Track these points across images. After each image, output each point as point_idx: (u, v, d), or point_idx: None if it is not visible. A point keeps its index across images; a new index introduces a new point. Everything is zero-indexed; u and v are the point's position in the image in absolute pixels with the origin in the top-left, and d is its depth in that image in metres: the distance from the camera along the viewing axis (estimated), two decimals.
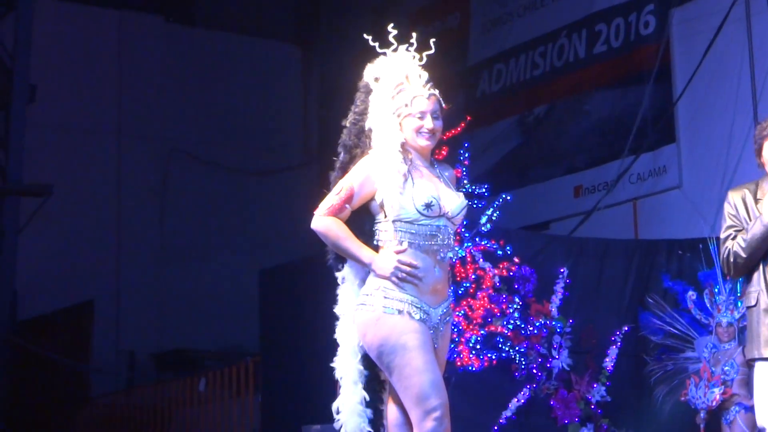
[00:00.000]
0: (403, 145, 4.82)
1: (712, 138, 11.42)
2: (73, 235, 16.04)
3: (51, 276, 15.70)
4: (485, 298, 8.60)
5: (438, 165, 4.98)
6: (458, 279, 8.54)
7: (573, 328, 8.96)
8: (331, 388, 4.90)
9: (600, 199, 12.14)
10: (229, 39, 17.51)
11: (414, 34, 4.96)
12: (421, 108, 4.82)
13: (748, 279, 5.49)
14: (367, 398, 4.83)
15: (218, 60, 17.34)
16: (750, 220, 5.45)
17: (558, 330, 8.88)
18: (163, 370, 15.84)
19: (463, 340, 8.45)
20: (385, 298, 4.70)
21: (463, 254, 8.59)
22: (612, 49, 12.68)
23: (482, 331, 8.55)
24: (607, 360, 9.03)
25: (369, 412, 4.84)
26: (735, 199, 5.55)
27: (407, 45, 4.92)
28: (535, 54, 13.58)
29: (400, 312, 4.68)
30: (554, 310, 8.92)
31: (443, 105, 4.89)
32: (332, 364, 4.88)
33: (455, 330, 8.27)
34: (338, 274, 4.94)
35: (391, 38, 4.91)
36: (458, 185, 5.23)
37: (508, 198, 8.91)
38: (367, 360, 4.84)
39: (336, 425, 4.85)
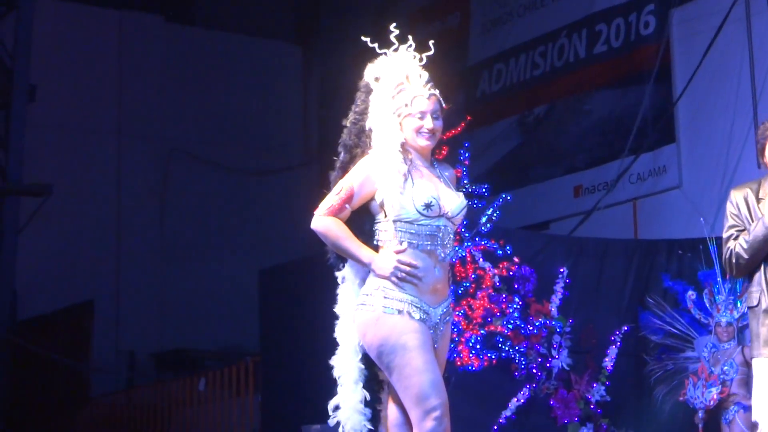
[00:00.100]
0: (403, 145, 4.82)
1: (712, 138, 11.42)
2: (73, 234, 16.05)
3: (51, 276, 15.71)
4: (485, 298, 8.60)
5: (438, 165, 4.98)
6: (458, 279, 8.54)
7: (573, 327, 8.96)
8: (331, 387, 4.90)
9: (600, 199, 12.14)
10: (229, 39, 17.51)
11: (413, 35, 4.96)
12: (421, 108, 4.82)
13: (749, 279, 5.49)
14: (368, 397, 4.83)
15: (218, 60, 17.34)
16: (752, 219, 5.44)
17: (558, 330, 8.89)
18: (163, 370, 15.84)
19: (463, 339, 8.45)
20: (385, 298, 4.70)
21: (463, 254, 8.59)
22: (612, 49, 12.68)
23: (482, 331, 8.55)
24: (607, 360, 9.03)
25: (368, 411, 4.84)
26: (737, 198, 5.54)
27: (407, 45, 4.92)
28: (535, 54, 13.58)
29: (399, 312, 4.68)
30: (554, 310, 8.92)
31: (443, 105, 4.89)
32: (331, 362, 4.88)
33: (455, 330, 8.27)
34: (338, 274, 4.94)
35: (391, 38, 4.91)
36: (458, 185, 5.23)
37: (508, 198, 8.91)
38: (366, 360, 4.84)
39: (331, 421, 4.85)
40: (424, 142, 4.84)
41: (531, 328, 8.76)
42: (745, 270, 5.46)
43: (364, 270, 4.81)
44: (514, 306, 8.71)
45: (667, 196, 11.87)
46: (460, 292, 8.53)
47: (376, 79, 4.90)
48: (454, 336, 8.24)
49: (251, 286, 12.24)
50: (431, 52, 4.93)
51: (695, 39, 11.59)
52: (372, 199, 4.79)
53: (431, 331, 4.74)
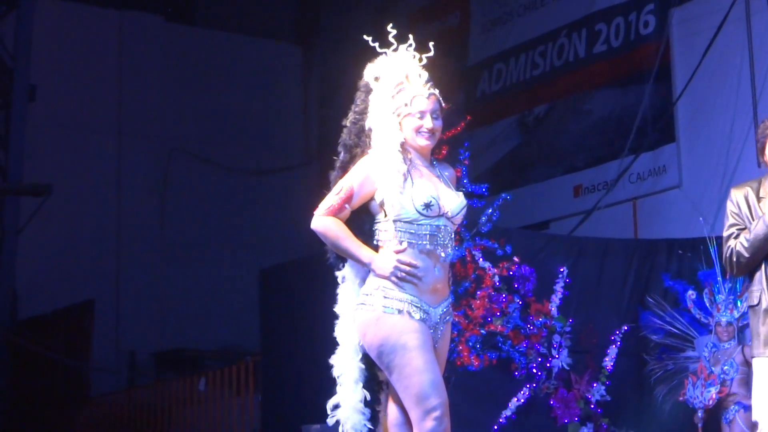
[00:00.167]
0: (402, 144, 4.82)
1: (712, 137, 11.42)
2: (73, 234, 16.05)
3: (51, 275, 15.71)
4: (485, 298, 8.60)
5: (438, 165, 4.98)
6: (458, 278, 8.54)
7: (573, 327, 8.96)
8: (331, 387, 4.90)
9: (600, 199, 12.14)
10: (230, 38, 17.51)
11: (413, 35, 4.96)
12: (421, 107, 4.82)
13: (750, 278, 5.48)
14: (368, 397, 4.84)
15: (218, 59, 17.34)
16: (753, 218, 5.44)
17: (558, 329, 8.89)
18: (163, 370, 15.84)
19: (463, 339, 8.45)
20: (385, 297, 4.70)
21: (463, 254, 8.59)
22: (612, 49, 12.68)
23: (482, 331, 8.55)
24: (607, 359, 9.03)
25: (368, 411, 4.84)
26: (737, 197, 5.53)
27: (407, 45, 4.93)
28: (535, 53, 13.58)
29: (400, 312, 4.68)
30: (554, 310, 8.92)
31: (443, 104, 4.89)
32: (331, 361, 4.88)
33: (455, 329, 8.27)
34: (338, 274, 4.94)
35: (391, 38, 4.91)
36: (458, 185, 5.24)
37: (508, 197, 8.91)
38: (366, 360, 4.84)
39: (330, 420, 4.85)
40: (423, 142, 4.84)
41: (531, 328, 8.76)
42: (746, 269, 5.46)
43: (364, 270, 4.82)
44: (514, 306, 8.71)
45: (667, 195, 11.87)
46: (460, 291, 8.53)
47: (376, 79, 4.90)
48: (455, 336, 8.23)
49: (251, 286, 12.25)
50: (431, 52, 4.93)
51: (695, 38, 11.59)
52: (372, 198, 4.79)
53: (431, 330, 4.74)
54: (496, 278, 8.67)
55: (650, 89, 11.96)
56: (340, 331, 4.90)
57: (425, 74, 4.91)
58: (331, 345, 4.92)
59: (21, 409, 14.73)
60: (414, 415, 4.62)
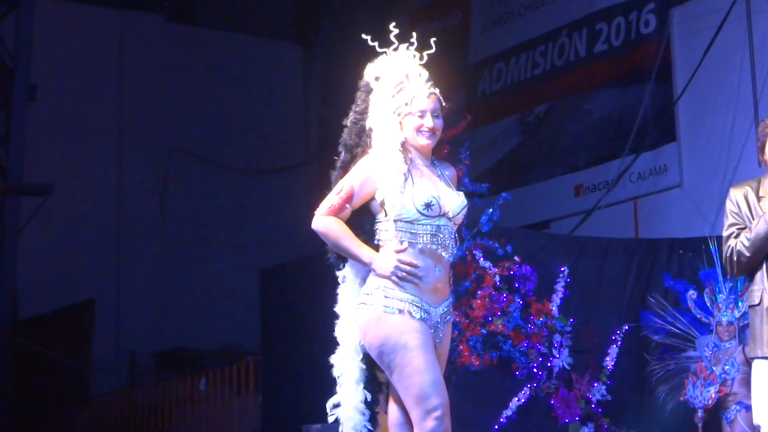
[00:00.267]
0: (403, 144, 4.82)
1: (713, 137, 11.42)
2: (73, 234, 16.05)
3: (51, 275, 15.71)
4: (486, 298, 8.59)
5: (439, 164, 4.97)
6: (459, 278, 8.53)
7: (573, 327, 8.95)
8: (331, 387, 4.90)
9: (600, 198, 12.13)
10: (230, 38, 17.51)
11: (414, 34, 4.95)
12: (422, 107, 4.82)
13: (750, 278, 5.47)
14: (369, 398, 4.83)
15: (219, 59, 17.34)
16: (753, 217, 5.43)
17: (558, 329, 8.88)
18: (163, 370, 15.84)
19: (463, 339, 8.45)
20: (386, 297, 4.70)
21: (464, 253, 8.59)
22: (612, 48, 12.67)
23: (483, 331, 8.54)
24: (608, 359, 9.02)
25: (368, 411, 4.84)
26: (737, 196, 5.52)
27: (408, 44, 4.92)
28: (535, 53, 13.58)
29: (400, 311, 4.68)
30: (555, 309, 8.92)
31: (443, 103, 4.89)
32: (331, 360, 4.88)
33: (456, 329, 8.27)
34: (339, 273, 4.94)
35: (391, 37, 4.91)
36: (459, 184, 5.23)
37: (509, 197, 8.90)
38: (366, 360, 4.84)
39: (330, 418, 4.85)
40: (424, 141, 4.84)
41: (532, 328, 8.75)
42: (747, 268, 5.44)
43: (365, 269, 4.81)
44: (515, 305, 8.70)
45: (667, 195, 11.86)
46: (460, 291, 8.52)
47: (376, 79, 4.89)
48: (455, 335, 8.23)
49: (252, 286, 12.23)
50: (432, 51, 4.93)
51: (696, 38, 11.59)
52: (372, 198, 4.79)
53: (432, 330, 4.74)
54: (497, 278, 8.66)
55: (651, 89, 11.95)
56: (340, 331, 4.90)
57: (425, 73, 4.91)
58: (332, 345, 4.92)
59: (21, 409, 14.73)
60: (415, 414, 4.62)
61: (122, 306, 16.19)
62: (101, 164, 16.47)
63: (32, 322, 15.17)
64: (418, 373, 4.60)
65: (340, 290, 4.93)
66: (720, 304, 8.83)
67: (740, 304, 8.67)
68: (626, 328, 9.10)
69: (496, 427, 8.62)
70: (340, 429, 4.85)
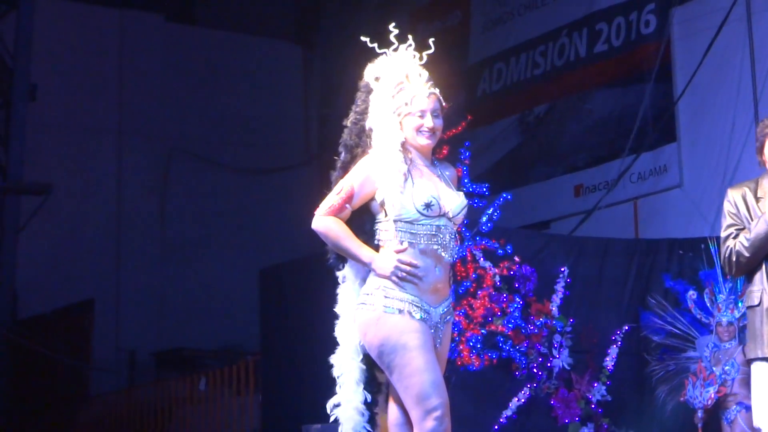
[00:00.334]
0: (403, 144, 4.82)
1: (713, 137, 11.41)
2: (73, 233, 16.05)
3: (51, 275, 15.71)
4: (486, 298, 8.59)
5: (439, 164, 4.97)
6: (459, 278, 8.53)
7: (573, 327, 8.95)
8: (331, 387, 4.90)
9: (600, 199, 12.13)
10: (230, 38, 17.51)
11: (412, 34, 4.95)
12: (421, 107, 4.82)
13: (749, 278, 5.47)
14: (368, 398, 4.83)
15: (219, 59, 17.34)
16: (751, 218, 5.42)
17: (558, 329, 8.88)
18: (163, 369, 15.84)
19: (463, 339, 8.45)
20: (386, 297, 4.70)
21: (464, 253, 8.59)
22: (613, 48, 12.67)
23: (483, 331, 8.54)
24: (608, 359, 9.02)
25: (368, 412, 4.84)
26: (735, 197, 5.52)
27: (407, 44, 4.92)
28: (535, 53, 13.58)
29: (400, 311, 4.68)
30: (555, 310, 8.91)
31: (443, 103, 4.89)
32: (331, 360, 4.88)
33: (456, 329, 8.27)
34: (339, 274, 4.94)
35: (391, 37, 4.91)
36: (459, 184, 5.23)
37: (509, 197, 8.90)
38: (366, 360, 4.84)
39: (330, 417, 4.85)
40: (424, 141, 4.84)
41: (532, 328, 8.75)
42: (746, 268, 5.44)
43: (365, 270, 4.81)
44: (515, 305, 8.70)
45: (667, 195, 11.86)
46: (460, 291, 8.52)
47: (376, 79, 4.90)
48: (455, 335, 8.23)
49: (252, 285, 12.23)
50: (431, 51, 4.93)
51: (696, 38, 11.58)
52: (372, 198, 4.79)
53: (432, 330, 4.74)
54: (497, 278, 8.66)
55: (651, 89, 11.95)
56: (340, 331, 4.90)
57: (425, 73, 4.91)
58: (331, 345, 4.92)
59: (21, 409, 14.72)
60: (414, 415, 4.62)
61: (122, 306, 16.19)
62: (101, 164, 16.47)
63: (32, 322, 15.16)
64: (418, 373, 4.60)
65: (339, 290, 4.93)
66: (720, 305, 8.83)
67: (740, 304, 8.66)
68: (626, 328, 9.10)
69: (496, 427, 8.61)
70: (339, 429, 4.85)
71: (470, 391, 8.47)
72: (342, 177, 4.85)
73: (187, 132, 16.98)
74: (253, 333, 12.64)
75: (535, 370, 8.76)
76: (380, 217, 4.80)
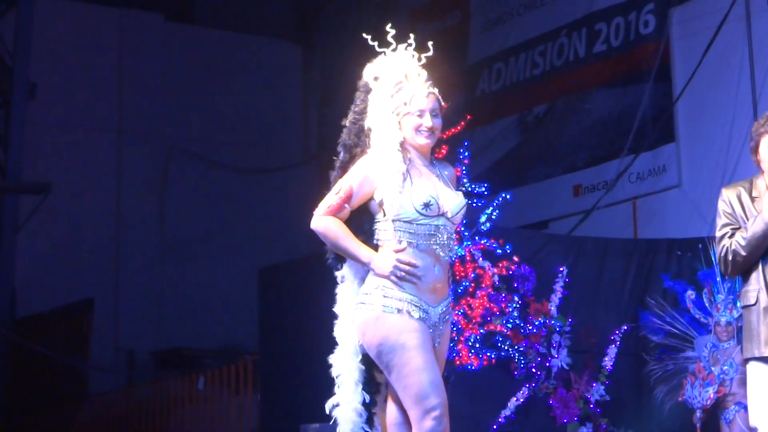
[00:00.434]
0: (402, 143, 4.82)
1: (712, 137, 11.41)
2: (72, 232, 16.04)
3: (50, 274, 15.70)
4: (484, 297, 8.59)
5: (438, 164, 4.97)
6: (457, 278, 8.54)
7: (572, 327, 8.95)
8: (330, 387, 4.89)
9: (599, 199, 12.13)
10: (229, 37, 17.50)
11: (412, 34, 4.95)
12: (420, 106, 4.82)
13: (745, 278, 5.46)
14: (367, 399, 4.83)
15: (218, 58, 17.33)
16: (747, 218, 5.42)
17: (557, 329, 8.88)
18: (162, 368, 15.84)
19: (462, 339, 8.45)
20: (385, 297, 4.70)
21: (463, 253, 8.59)
22: (612, 48, 12.67)
23: (481, 330, 8.55)
24: (607, 359, 9.02)
25: (365, 413, 4.84)
26: (730, 196, 5.53)
27: (406, 44, 4.92)
28: (534, 53, 13.58)
29: (399, 311, 4.68)
30: (553, 309, 8.92)
31: (442, 103, 4.89)
32: (330, 360, 4.88)
33: (454, 329, 8.27)
34: (337, 273, 4.94)
35: (390, 37, 4.91)
36: (458, 184, 5.23)
37: (508, 197, 8.90)
38: (365, 360, 4.84)
39: (332, 421, 4.85)
40: (423, 141, 4.84)
41: (530, 328, 8.75)
42: (742, 268, 5.43)
43: (364, 269, 4.81)
44: (514, 305, 8.70)
45: (666, 195, 11.86)
46: (459, 291, 8.53)
47: (375, 79, 4.90)
48: (454, 335, 8.23)
49: (250, 285, 12.23)
50: (430, 51, 4.93)
51: (695, 38, 11.58)
52: (371, 198, 4.79)
53: (431, 330, 4.74)
54: (496, 278, 8.67)
55: (650, 89, 11.95)
56: (339, 331, 4.90)
57: (424, 73, 4.91)
58: (330, 344, 4.92)
59: (19, 408, 14.72)
60: (413, 414, 4.62)
61: (121, 305, 16.19)
62: (100, 163, 16.47)
63: (30, 321, 15.15)
64: (417, 373, 4.60)
65: (338, 290, 4.93)
66: (719, 305, 8.83)
67: (738, 304, 8.66)
68: (625, 328, 9.10)
69: (495, 426, 8.62)
70: (337, 430, 4.85)
71: (469, 390, 8.47)
72: (341, 177, 4.85)
73: (187, 131, 16.98)
74: (251, 332, 12.64)
75: (533, 370, 8.76)
76: (379, 216, 4.80)
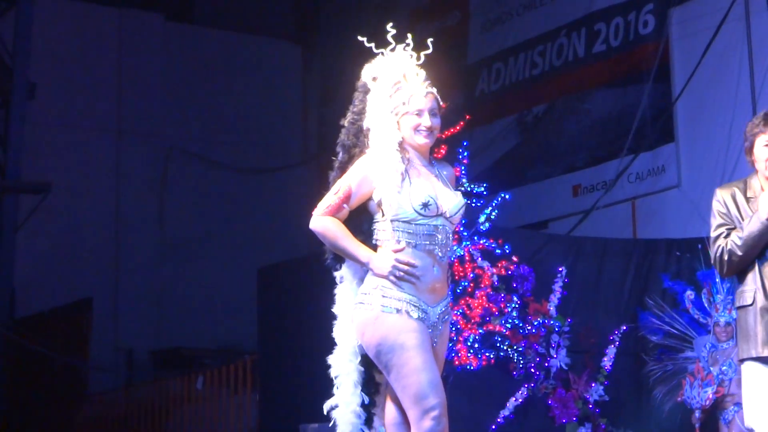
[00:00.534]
0: (401, 143, 4.82)
1: (711, 137, 11.41)
2: (71, 232, 16.04)
3: (49, 273, 15.69)
4: (483, 297, 8.59)
5: (437, 164, 4.97)
6: (457, 278, 8.54)
7: (571, 327, 8.95)
8: (328, 386, 4.89)
9: (599, 199, 12.13)
10: (229, 37, 17.50)
11: (410, 34, 4.95)
12: (419, 106, 4.82)
13: (740, 278, 5.45)
14: (366, 400, 4.83)
15: (218, 58, 17.33)
16: (742, 218, 5.42)
17: (556, 329, 8.88)
18: (161, 368, 15.83)
19: (461, 339, 8.45)
20: (384, 297, 4.69)
21: (462, 253, 8.59)
22: (611, 48, 12.67)
23: (480, 330, 8.55)
24: (606, 359, 9.02)
25: (364, 413, 4.84)
26: (725, 197, 5.52)
27: (405, 44, 4.92)
28: (534, 53, 13.58)
29: (398, 311, 4.68)
30: (552, 309, 8.92)
31: (441, 102, 4.89)
32: (329, 360, 4.87)
33: (453, 329, 8.27)
34: (336, 274, 4.93)
35: (389, 37, 4.91)
36: (457, 184, 5.23)
37: (507, 197, 8.91)
38: (364, 361, 4.83)
39: (331, 423, 4.85)
40: (422, 140, 4.84)
41: (529, 328, 8.75)
42: (738, 268, 5.42)
43: (362, 269, 4.81)
44: (513, 305, 8.70)
45: (666, 195, 11.86)
46: (458, 291, 8.53)
47: (374, 79, 4.89)
48: (453, 335, 8.23)
49: (250, 285, 12.22)
50: (429, 51, 4.93)
51: (694, 38, 11.58)
52: (370, 198, 4.79)
53: (430, 330, 4.74)
54: (495, 278, 8.67)
55: (649, 89, 11.95)
56: (338, 332, 4.89)
57: (423, 73, 4.91)
58: (329, 344, 4.92)
59: (18, 407, 14.71)
60: (412, 414, 4.62)
61: (120, 304, 16.18)
62: (100, 162, 16.46)
63: (30, 321, 15.15)
64: (416, 373, 4.60)
65: (337, 290, 4.93)
66: (718, 305, 8.84)
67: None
68: (624, 328, 9.10)
69: (494, 426, 8.62)
70: (338, 429, 4.84)
71: (468, 390, 8.47)
72: (340, 177, 4.84)
73: (186, 131, 16.97)
74: (251, 332, 12.63)
75: (532, 370, 8.76)
76: (378, 216, 4.80)
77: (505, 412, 8.66)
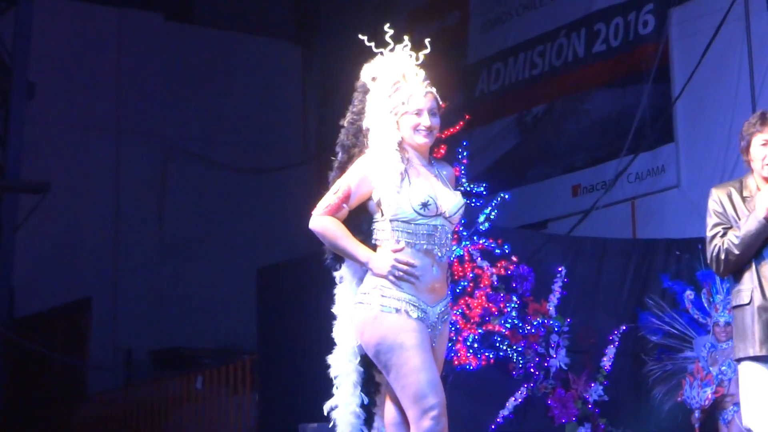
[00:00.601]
0: (400, 143, 4.82)
1: (711, 137, 11.42)
2: (71, 232, 16.04)
3: (48, 273, 15.70)
4: (483, 297, 8.59)
5: (436, 163, 4.97)
6: (456, 278, 8.53)
7: (571, 327, 8.95)
8: (328, 386, 4.89)
9: (598, 199, 12.13)
10: (229, 37, 17.50)
11: (413, 34, 4.95)
12: (418, 105, 4.81)
13: (737, 277, 5.45)
14: (366, 400, 4.83)
15: (217, 58, 17.33)
16: (738, 217, 5.41)
17: (556, 329, 8.88)
18: (160, 368, 15.82)
19: (460, 338, 8.45)
20: (383, 296, 4.69)
21: (461, 253, 8.59)
22: (611, 49, 12.67)
23: (480, 330, 8.55)
24: (605, 359, 9.02)
25: (363, 414, 4.84)
26: (721, 196, 5.52)
27: (404, 44, 4.92)
28: (533, 53, 13.58)
29: (397, 311, 4.68)
30: (552, 309, 8.92)
31: (440, 102, 4.88)
32: (328, 360, 4.87)
33: (453, 329, 8.27)
34: (336, 274, 4.93)
35: (388, 38, 4.91)
36: (457, 184, 5.22)
37: (507, 197, 8.91)
38: (363, 361, 4.83)
39: (331, 424, 4.84)
40: (421, 140, 4.84)
41: (529, 328, 8.75)
42: (734, 267, 5.42)
43: (362, 269, 4.81)
44: (512, 305, 8.70)
45: (665, 195, 11.86)
46: (458, 291, 8.53)
47: (373, 79, 4.89)
48: (452, 335, 8.23)
49: (249, 285, 12.23)
50: (428, 51, 4.93)
51: (694, 38, 11.59)
52: (369, 198, 4.79)
53: (429, 330, 4.73)
54: (494, 277, 8.66)
55: (649, 89, 11.95)
56: (338, 332, 4.89)
57: (422, 72, 4.90)
58: (329, 344, 4.92)
59: (18, 407, 14.71)
60: (411, 414, 4.61)
61: (119, 304, 16.18)
62: (99, 162, 16.46)
63: (29, 320, 15.15)
64: (415, 373, 4.60)
65: (337, 290, 4.92)
66: (717, 305, 8.83)
67: None
68: (624, 328, 9.10)
69: (493, 426, 8.62)
70: (337, 430, 4.84)
71: (467, 390, 8.47)
72: (339, 177, 4.84)
73: (186, 131, 16.97)
74: (250, 332, 12.63)
75: (532, 370, 8.76)
76: (377, 216, 4.79)
77: (505, 412, 8.66)
